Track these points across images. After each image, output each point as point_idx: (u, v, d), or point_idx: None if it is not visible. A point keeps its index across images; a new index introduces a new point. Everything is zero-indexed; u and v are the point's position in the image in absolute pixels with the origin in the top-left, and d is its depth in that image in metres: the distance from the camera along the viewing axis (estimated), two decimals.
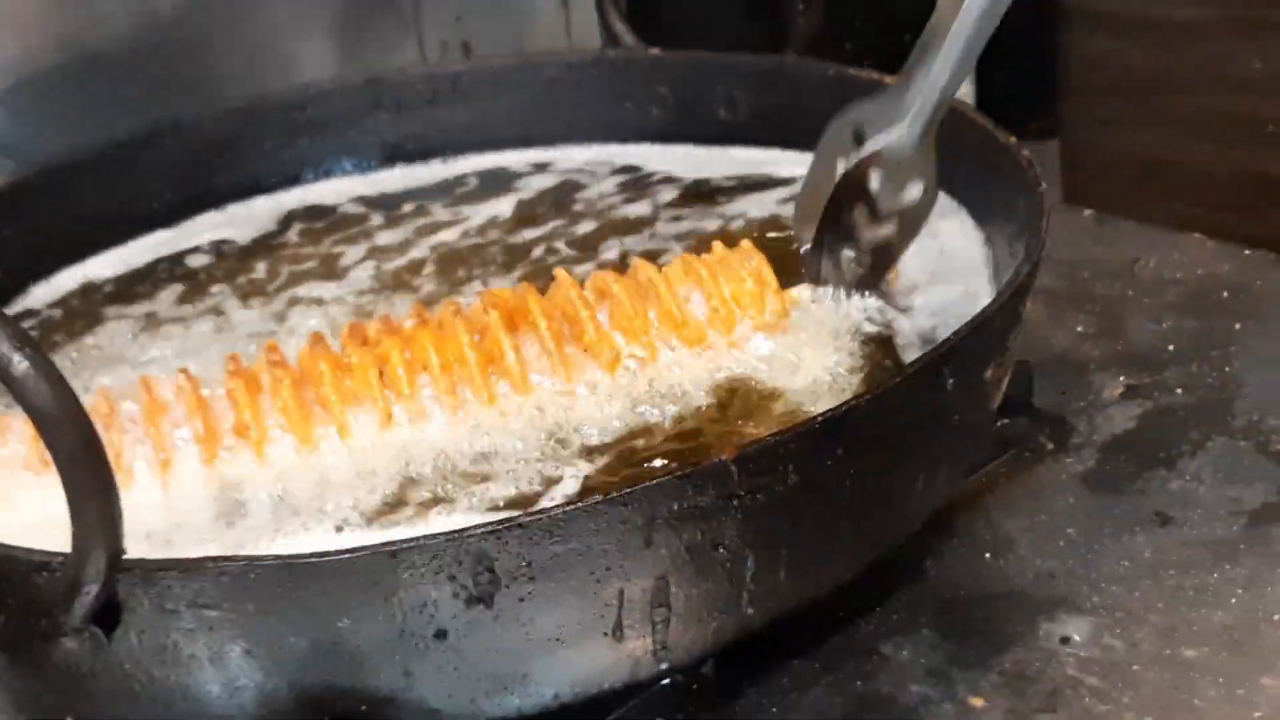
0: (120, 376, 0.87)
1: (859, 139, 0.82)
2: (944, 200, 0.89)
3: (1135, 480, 0.82)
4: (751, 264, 0.85)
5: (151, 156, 1.03)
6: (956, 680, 0.71)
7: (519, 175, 1.08)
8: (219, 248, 1.03)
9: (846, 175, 0.81)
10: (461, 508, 0.74)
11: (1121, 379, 0.90)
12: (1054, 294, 0.99)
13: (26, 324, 0.94)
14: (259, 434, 0.78)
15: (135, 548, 0.65)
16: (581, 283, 0.84)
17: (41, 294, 0.99)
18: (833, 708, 0.70)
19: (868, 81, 0.95)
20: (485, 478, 0.75)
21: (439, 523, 0.72)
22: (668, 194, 1.03)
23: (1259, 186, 1.46)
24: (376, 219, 1.05)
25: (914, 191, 0.81)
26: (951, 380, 0.68)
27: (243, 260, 1.01)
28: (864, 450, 0.66)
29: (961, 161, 0.89)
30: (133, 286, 0.99)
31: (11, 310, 0.96)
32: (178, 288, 0.99)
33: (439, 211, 1.04)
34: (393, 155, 1.09)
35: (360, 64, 1.22)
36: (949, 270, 0.88)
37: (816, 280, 0.84)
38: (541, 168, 1.08)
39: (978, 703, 0.69)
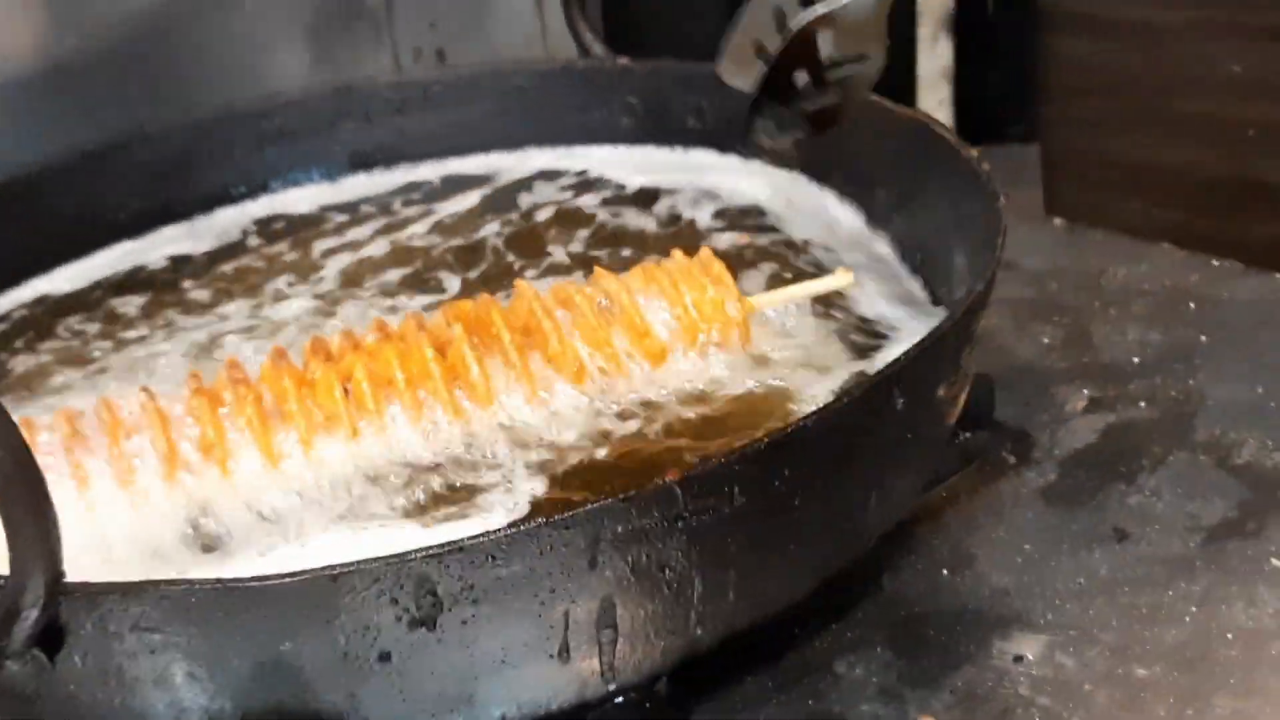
0: (70, 394, 0.87)
1: None
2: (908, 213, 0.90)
3: (1095, 495, 0.82)
4: (712, 271, 0.85)
5: (118, 167, 1.03)
6: (908, 699, 0.70)
7: (481, 181, 1.08)
8: (180, 259, 1.03)
9: (794, 37, 0.75)
10: (423, 523, 0.74)
11: (1085, 392, 0.90)
12: (1021, 304, 0.99)
13: None
14: (222, 451, 0.77)
15: (99, 569, 0.66)
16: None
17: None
18: None
19: None
20: (451, 491, 0.75)
21: (395, 540, 0.72)
22: (621, 198, 1.03)
23: (1239, 190, 1.46)
24: (340, 227, 1.04)
25: (865, 58, 0.77)
26: (902, 400, 0.68)
27: (205, 271, 1.01)
28: (812, 471, 0.66)
29: (925, 172, 0.89)
30: (91, 297, 1.00)
31: None
32: (138, 299, 0.99)
33: (400, 218, 1.05)
34: (363, 164, 1.09)
35: (334, 72, 1.22)
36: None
37: (755, 151, 0.79)
38: (498, 174, 1.09)
39: None
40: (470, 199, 1.06)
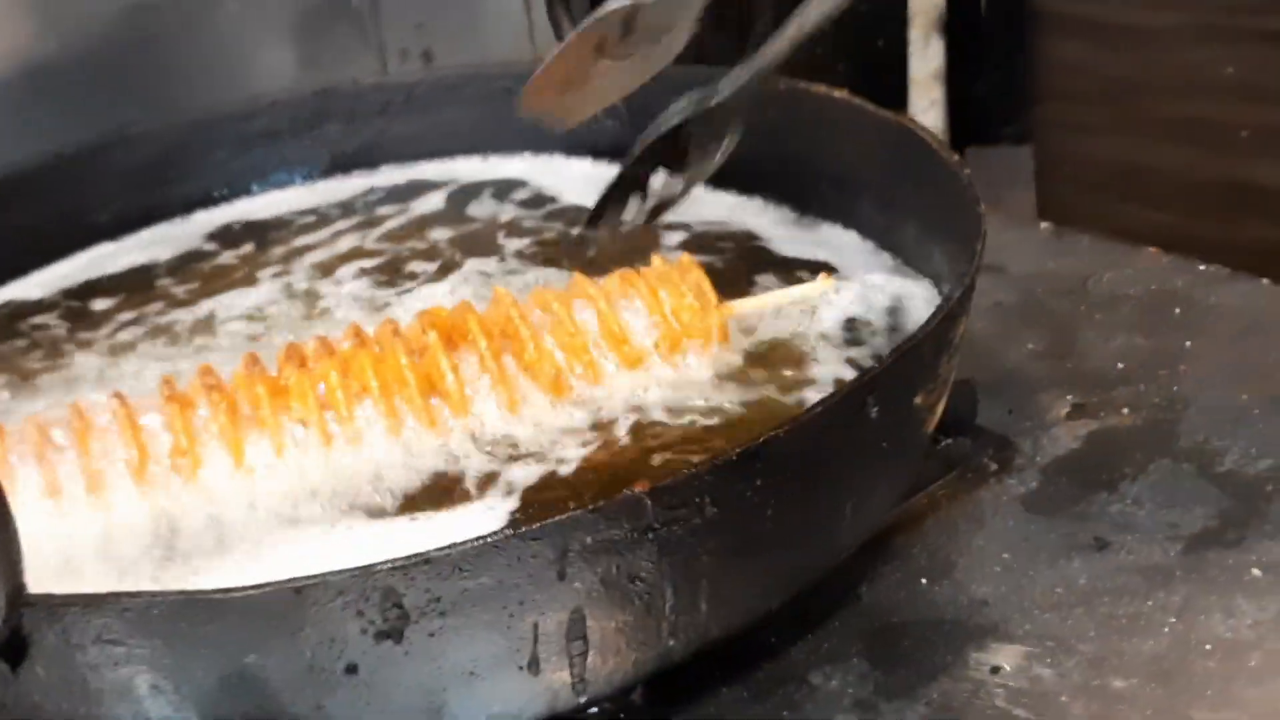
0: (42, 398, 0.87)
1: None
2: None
3: (1076, 503, 0.81)
4: (690, 278, 0.84)
5: (97, 169, 1.03)
6: (883, 711, 0.70)
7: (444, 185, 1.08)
8: (157, 263, 1.02)
9: (649, 145, 0.75)
10: (395, 531, 0.74)
11: (1069, 398, 0.89)
12: (1007, 309, 0.98)
13: None
14: (193, 458, 0.77)
15: (67, 578, 0.67)
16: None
17: None
18: None
19: (820, 94, 0.95)
20: (424, 500, 0.75)
21: (367, 550, 0.72)
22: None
23: (1231, 192, 1.46)
24: (311, 228, 1.04)
25: (713, 154, 0.76)
26: (877, 409, 0.68)
27: (179, 274, 1.01)
28: (785, 482, 0.65)
29: (907, 175, 0.88)
30: (66, 301, 0.99)
31: None
32: (111, 303, 0.98)
33: (374, 219, 1.05)
34: (345, 166, 1.09)
35: (320, 74, 1.22)
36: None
37: (595, 225, 0.78)
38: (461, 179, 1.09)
39: None
40: (434, 201, 1.05)
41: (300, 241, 1.03)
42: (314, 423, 0.78)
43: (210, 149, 1.07)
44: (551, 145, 1.06)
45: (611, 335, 0.82)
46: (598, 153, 1.04)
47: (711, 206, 0.98)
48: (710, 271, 0.85)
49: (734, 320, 0.85)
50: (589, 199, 0.97)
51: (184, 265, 1.02)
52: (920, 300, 0.87)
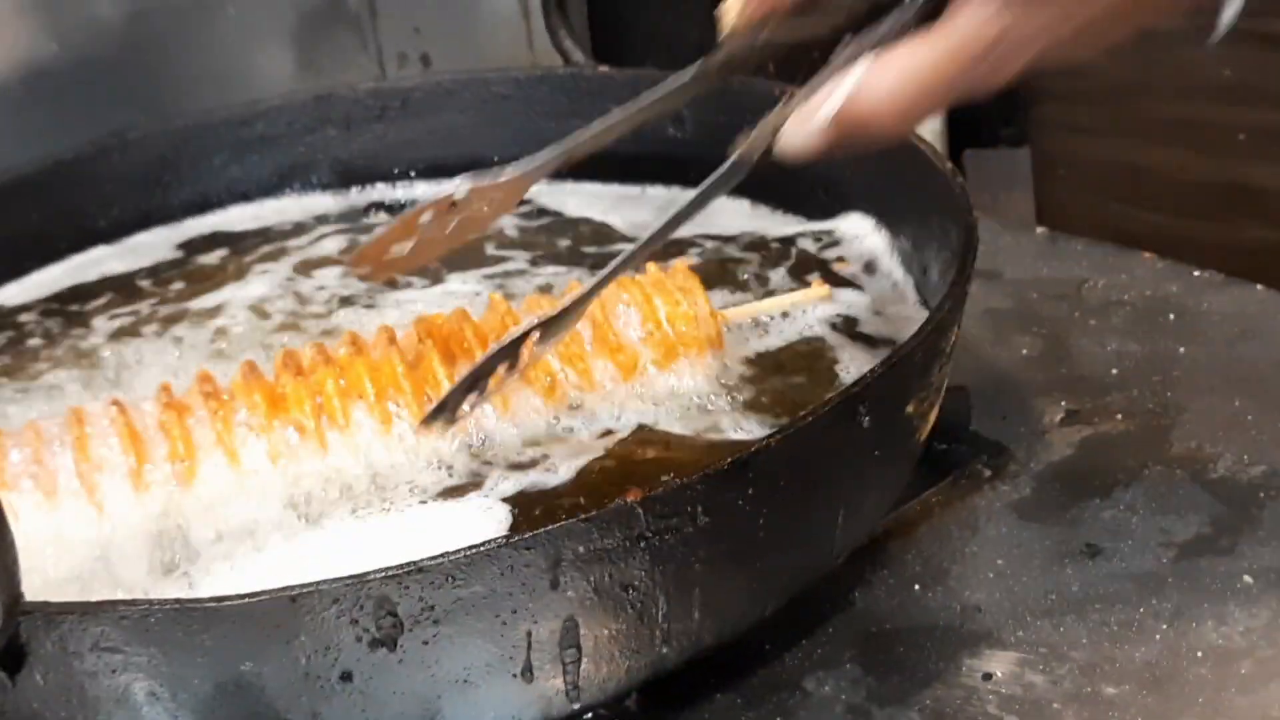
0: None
1: None
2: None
3: (1069, 510, 0.81)
4: (686, 285, 0.85)
5: (93, 174, 1.03)
6: (876, 717, 0.70)
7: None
8: (149, 267, 1.03)
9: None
10: (393, 536, 0.74)
11: (1063, 404, 0.90)
12: (1001, 315, 0.99)
13: None
14: (191, 465, 0.77)
15: (65, 587, 0.68)
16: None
17: None
18: None
19: None
20: (421, 507, 0.76)
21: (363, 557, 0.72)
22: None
23: (1229, 194, 1.45)
24: (307, 234, 1.05)
25: None
26: (869, 418, 0.68)
27: (172, 279, 1.02)
28: (777, 490, 0.66)
29: (903, 185, 0.88)
30: (50, 306, 1.00)
31: None
32: (104, 307, 0.99)
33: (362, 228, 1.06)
34: (341, 172, 1.09)
35: (318, 78, 1.22)
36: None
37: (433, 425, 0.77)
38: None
39: None
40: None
41: (291, 245, 1.04)
42: (310, 429, 0.78)
43: (207, 154, 1.07)
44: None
45: (606, 343, 0.82)
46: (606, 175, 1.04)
47: (704, 211, 0.98)
48: (703, 277, 0.85)
49: (729, 327, 0.85)
50: (591, 212, 0.98)
51: (178, 268, 1.03)
52: (914, 307, 0.88)
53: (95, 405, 0.80)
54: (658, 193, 1.03)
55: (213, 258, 1.04)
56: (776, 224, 0.99)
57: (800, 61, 0.65)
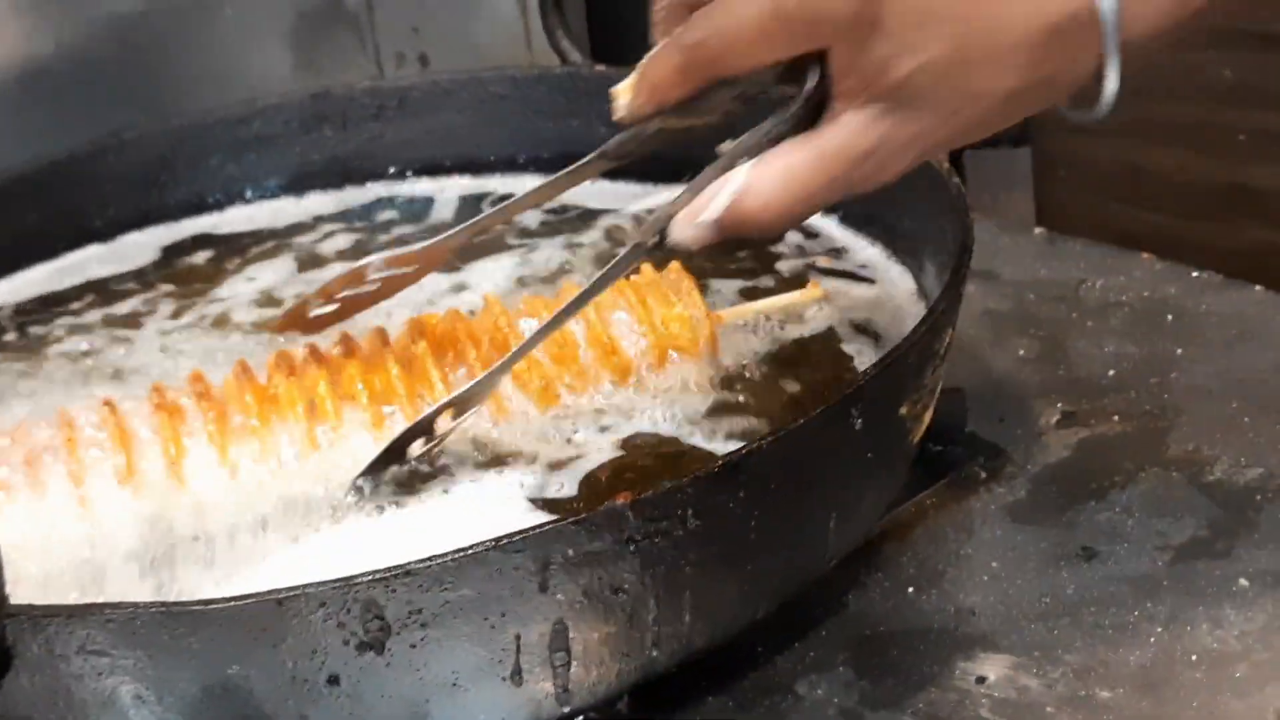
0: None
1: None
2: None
3: (1065, 512, 0.81)
4: (680, 286, 0.84)
5: (90, 174, 1.03)
6: None
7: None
8: (145, 270, 1.03)
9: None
10: (384, 537, 0.74)
11: (1060, 406, 0.89)
12: (998, 316, 0.98)
13: None
14: (181, 466, 0.77)
15: (52, 589, 0.68)
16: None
17: None
18: None
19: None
20: (415, 505, 0.75)
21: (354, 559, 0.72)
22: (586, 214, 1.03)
23: (1230, 195, 1.45)
24: (304, 235, 1.05)
25: None
26: (861, 420, 0.68)
27: (160, 280, 1.01)
28: (768, 494, 0.66)
29: (899, 185, 0.88)
30: (48, 307, 1.00)
31: None
32: (93, 307, 0.99)
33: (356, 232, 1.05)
34: (339, 171, 1.09)
35: (316, 78, 1.22)
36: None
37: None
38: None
39: None
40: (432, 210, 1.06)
41: (287, 245, 1.04)
42: (302, 430, 0.77)
43: (203, 154, 1.06)
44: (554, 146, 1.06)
45: (600, 345, 0.82)
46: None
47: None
48: (697, 279, 0.85)
49: (724, 329, 0.85)
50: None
51: (172, 270, 1.03)
52: (910, 307, 0.87)
53: (85, 406, 0.79)
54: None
55: (208, 258, 1.03)
56: None
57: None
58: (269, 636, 0.60)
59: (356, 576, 0.59)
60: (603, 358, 0.82)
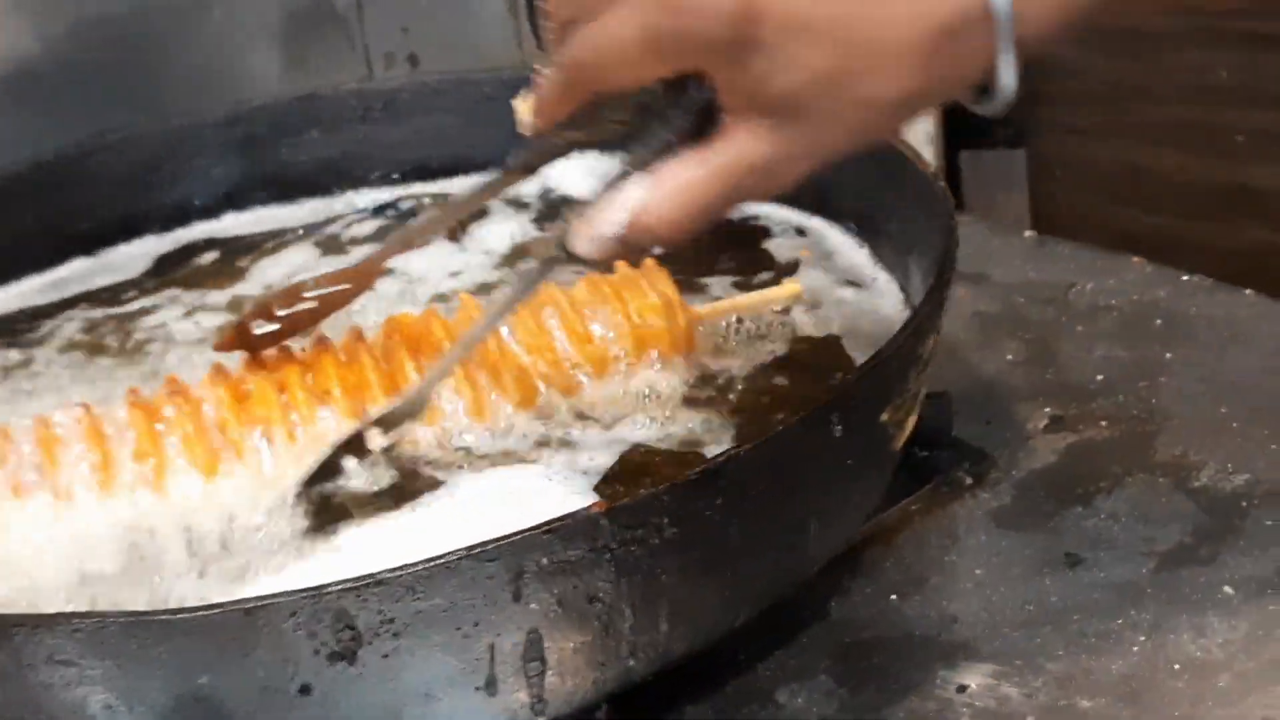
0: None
1: None
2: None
3: (1050, 518, 0.80)
4: (657, 282, 0.84)
5: (76, 177, 1.02)
6: None
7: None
8: (130, 276, 1.02)
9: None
10: (360, 540, 0.73)
11: (1047, 410, 0.89)
12: (987, 319, 0.98)
13: None
14: (159, 466, 0.77)
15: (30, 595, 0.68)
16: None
17: None
18: None
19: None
20: (393, 505, 0.75)
21: (331, 563, 0.72)
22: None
23: (1227, 195, 1.45)
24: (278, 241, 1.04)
25: None
26: (841, 427, 0.67)
27: (149, 286, 1.01)
28: (746, 501, 0.65)
29: (885, 187, 0.88)
30: (38, 318, 0.99)
31: None
32: (79, 313, 0.99)
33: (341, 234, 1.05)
34: (327, 174, 1.08)
35: (306, 78, 1.21)
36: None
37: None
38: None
39: None
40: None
41: (274, 247, 1.04)
42: (278, 428, 0.77)
43: (189, 157, 1.06)
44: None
45: (575, 334, 0.81)
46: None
47: None
48: (677, 275, 0.85)
49: (707, 330, 0.84)
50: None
51: (164, 273, 1.02)
52: (896, 311, 0.87)
53: (62, 411, 0.79)
54: None
55: (197, 262, 1.03)
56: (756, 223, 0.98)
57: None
58: (239, 646, 0.59)
59: (326, 586, 0.58)
60: (577, 347, 0.81)
